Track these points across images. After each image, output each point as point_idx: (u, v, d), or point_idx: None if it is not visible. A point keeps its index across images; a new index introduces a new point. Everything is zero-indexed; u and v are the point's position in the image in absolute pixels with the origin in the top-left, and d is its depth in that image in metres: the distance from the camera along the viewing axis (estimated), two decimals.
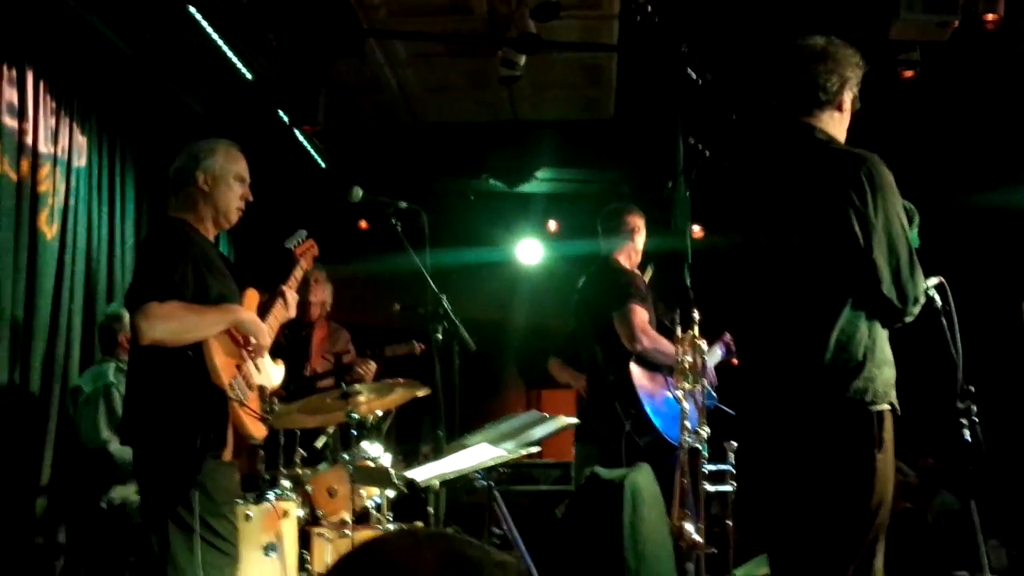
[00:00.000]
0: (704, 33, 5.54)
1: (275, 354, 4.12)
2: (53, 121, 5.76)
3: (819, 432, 3.21)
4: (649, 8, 5.07)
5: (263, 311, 4.04)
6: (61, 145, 5.83)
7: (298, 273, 4.29)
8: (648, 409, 4.96)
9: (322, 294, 6.36)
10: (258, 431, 3.89)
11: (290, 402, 4.98)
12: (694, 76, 4.64)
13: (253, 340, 3.90)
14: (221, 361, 3.71)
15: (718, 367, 5.27)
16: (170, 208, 3.97)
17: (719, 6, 6.12)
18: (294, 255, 4.33)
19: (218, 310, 3.76)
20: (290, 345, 6.13)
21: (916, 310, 3.27)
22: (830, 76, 3.40)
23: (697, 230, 6.47)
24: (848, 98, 3.47)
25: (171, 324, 3.58)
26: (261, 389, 3.96)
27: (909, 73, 6.30)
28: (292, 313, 4.20)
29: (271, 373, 4.07)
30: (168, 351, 3.60)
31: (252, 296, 4.02)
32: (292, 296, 4.18)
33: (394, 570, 1.35)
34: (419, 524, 4.88)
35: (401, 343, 5.90)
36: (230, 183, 3.92)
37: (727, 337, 5.21)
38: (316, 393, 5.39)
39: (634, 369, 5.07)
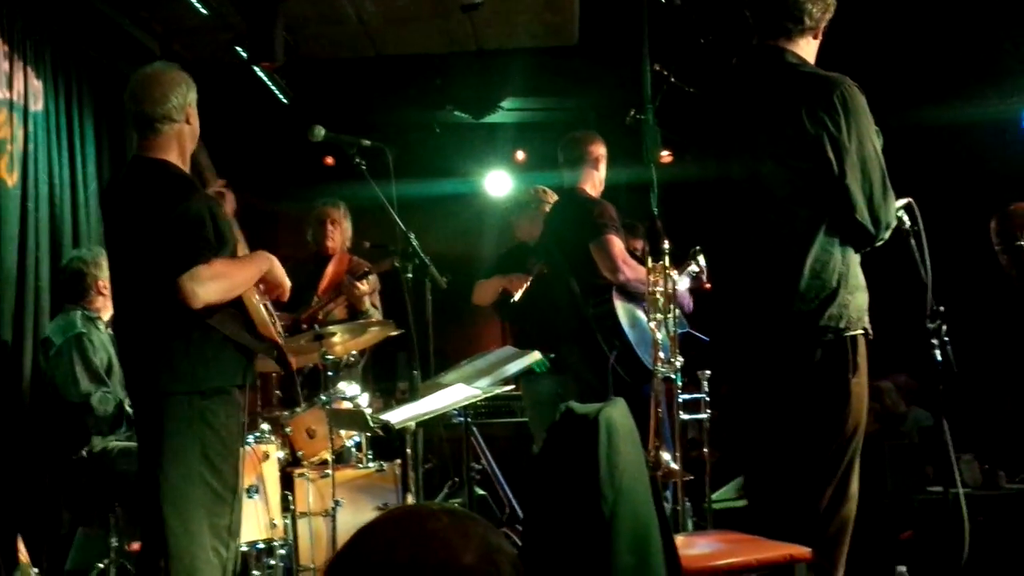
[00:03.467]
0: None
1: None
2: (7, 65, 5.61)
3: (794, 358, 3.23)
4: None
5: None
6: (16, 90, 5.69)
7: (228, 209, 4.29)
8: (631, 339, 4.94)
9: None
10: (295, 362, 4.00)
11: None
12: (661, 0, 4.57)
13: (279, 284, 3.94)
14: (264, 312, 3.77)
15: (690, 292, 5.26)
16: (148, 149, 3.80)
17: None
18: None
19: (253, 261, 3.81)
20: (304, 277, 6.15)
21: (887, 235, 3.29)
22: (817, 2, 3.36)
23: (665, 155, 6.42)
24: (824, 23, 3.44)
25: (221, 284, 3.57)
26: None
27: None
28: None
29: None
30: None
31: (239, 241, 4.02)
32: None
33: (442, 547, 1.41)
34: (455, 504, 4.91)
35: (382, 260, 5.88)
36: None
37: (691, 265, 5.17)
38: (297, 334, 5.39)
39: (616, 300, 5.05)
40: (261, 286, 3.92)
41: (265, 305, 3.87)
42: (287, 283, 3.97)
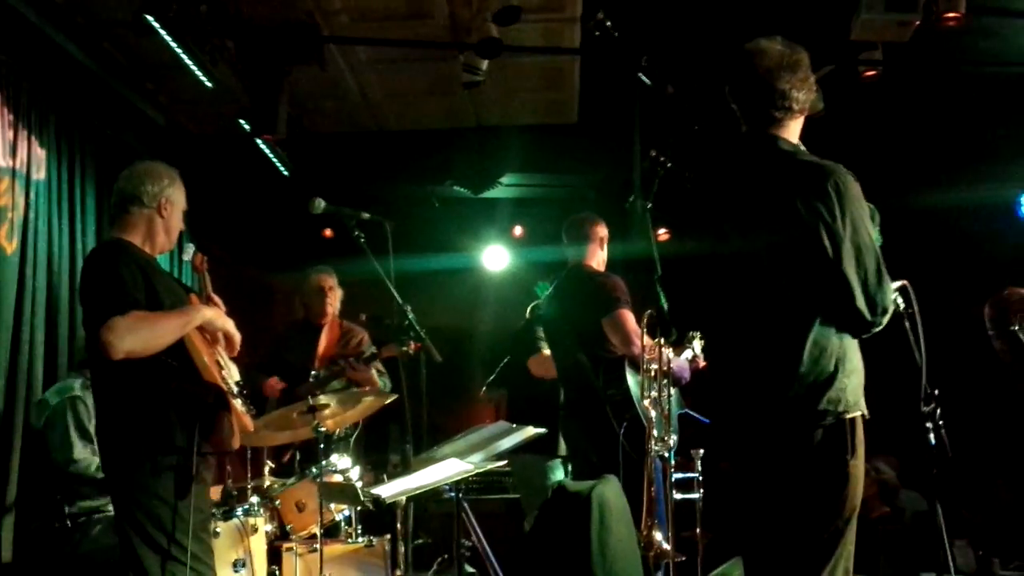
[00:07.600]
0: (664, 42, 5.52)
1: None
2: (11, 134, 5.66)
3: (793, 441, 3.22)
4: (608, 23, 5.05)
5: None
6: (20, 158, 5.74)
7: (206, 282, 4.32)
8: (643, 418, 4.92)
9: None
10: (249, 424, 3.97)
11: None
12: (654, 88, 4.62)
13: (223, 335, 3.98)
14: (208, 359, 3.78)
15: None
16: (116, 228, 3.99)
17: (678, 13, 6.11)
18: (195, 267, 4.35)
19: (181, 313, 3.81)
20: (298, 348, 6.16)
21: (885, 320, 3.28)
22: (801, 86, 3.39)
23: (662, 232, 6.47)
24: (810, 102, 3.48)
25: (139, 334, 3.61)
26: (237, 384, 3.99)
27: (871, 73, 6.32)
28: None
29: (232, 371, 4.08)
30: (145, 362, 3.63)
31: (194, 301, 4.04)
32: (218, 300, 4.22)
33: None
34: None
35: (391, 344, 5.86)
36: (180, 213, 4.06)
37: (687, 350, 5.17)
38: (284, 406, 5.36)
39: (630, 380, 5.04)
40: (221, 341, 3.99)
41: (219, 357, 3.90)
42: (232, 330, 4.01)
